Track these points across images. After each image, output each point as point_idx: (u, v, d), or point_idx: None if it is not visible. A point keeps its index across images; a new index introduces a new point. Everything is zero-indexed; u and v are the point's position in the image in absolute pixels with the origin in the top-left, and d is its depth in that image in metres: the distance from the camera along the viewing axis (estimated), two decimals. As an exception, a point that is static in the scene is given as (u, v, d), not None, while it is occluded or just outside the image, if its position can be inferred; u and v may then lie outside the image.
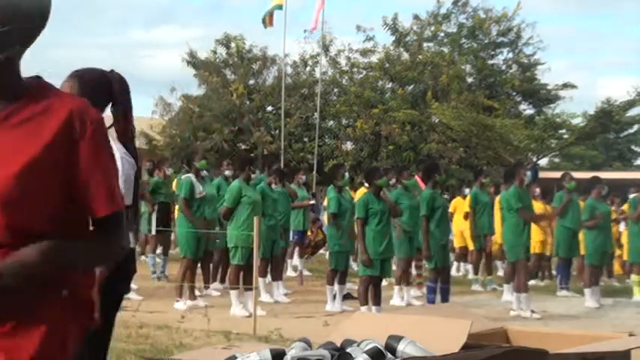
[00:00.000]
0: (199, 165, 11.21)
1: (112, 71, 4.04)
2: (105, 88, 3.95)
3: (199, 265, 11.69)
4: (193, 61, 28.62)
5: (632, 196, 13.36)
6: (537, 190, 14.30)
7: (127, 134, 4.00)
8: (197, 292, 11.40)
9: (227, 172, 12.43)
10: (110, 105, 4.01)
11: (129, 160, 3.94)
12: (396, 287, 11.50)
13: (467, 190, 15.02)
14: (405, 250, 11.30)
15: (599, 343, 3.23)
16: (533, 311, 10.58)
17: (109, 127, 4.07)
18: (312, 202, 14.39)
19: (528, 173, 11.17)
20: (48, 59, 68.50)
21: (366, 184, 10.45)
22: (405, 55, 29.20)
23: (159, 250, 13.54)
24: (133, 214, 4.09)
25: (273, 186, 11.69)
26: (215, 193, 11.81)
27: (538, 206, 13.54)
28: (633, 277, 13.18)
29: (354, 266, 12.98)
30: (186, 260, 10.74)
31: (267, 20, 22.70)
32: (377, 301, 10.03)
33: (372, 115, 26.74)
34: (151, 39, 74.42)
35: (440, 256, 10.55)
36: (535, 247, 13.16)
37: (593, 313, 11.29)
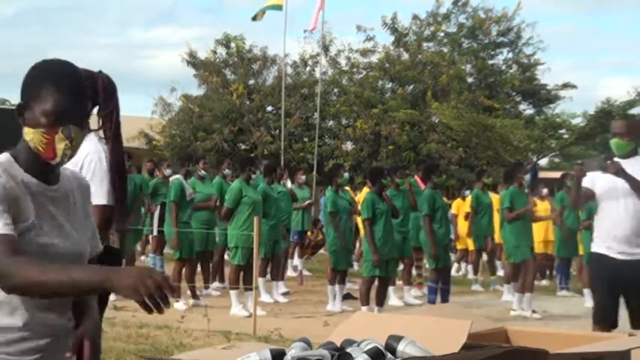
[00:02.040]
0: (191, 168, 11.30)
1: (99, 72, 4.02)
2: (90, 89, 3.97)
3: (199, 265, 11.71)
4: (193, 61, 28.62)
5: None
6: (545, 191, 14.29)
7: (110, 134, 3.99)
8: (197, 293, 11.42)
9: (226, 171, 12.45)
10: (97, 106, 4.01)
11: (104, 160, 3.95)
12: (391, 288, 11.50)
13: (467, 192, 15.01)
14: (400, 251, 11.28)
15: (599, 343, 3.22)
16: (534, 311, 10.58)
17: (97, 129, 4.05)
18: (310, 201, 14.34)
19: (527, 176, 11.21)
20: (48, 59, 68.42)
21: (370, 184, 10.44)
22: (405, 55, 29.20)
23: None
24: (118, 214, 4.09)
25: (289, 185, 11.68)
26: (215, 194, 11.82)
27: (544, 206, 13.59)
28: None
29: (356, 266, 12.99)
30: (180, 262, 10.79)
31: (259, 15, 22.53)
32: (380, 302, 10.02)
33: (372, 115, 26.73)
34: (151, 39, 74.44)
35: (441, 256, 10.54)
36: (539, 248, 13.16)
37: (593, 313, 11.28)
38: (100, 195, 3.87)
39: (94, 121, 4.02)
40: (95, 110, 3.99)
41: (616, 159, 6.02)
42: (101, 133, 3.99)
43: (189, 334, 8.45)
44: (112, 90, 3.99)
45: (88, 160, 3.90)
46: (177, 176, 11.25)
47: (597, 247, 6.26)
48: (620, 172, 5.85)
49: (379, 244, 9.80)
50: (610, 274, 6.10)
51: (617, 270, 6.05)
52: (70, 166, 3.85)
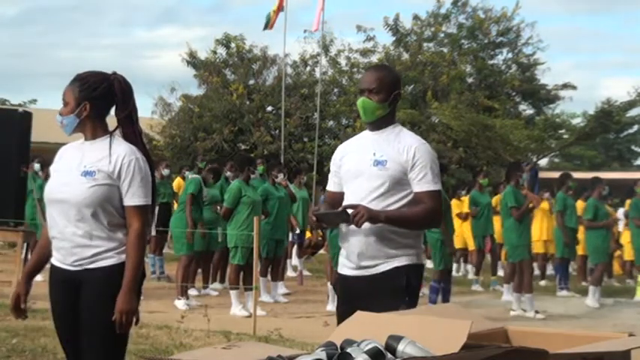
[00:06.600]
0: (202, 164, 11.32)
1: (114, 73, 3.99)
2: (108, 91, 3.89)
3: (199, 264, 11.70)
4: (193, 61, 28.61)
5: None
6: (546, 195, 14.36)
7: (133, 136, 3.97)
8: (196, 292, 11.42)
9: (228, 174, 12.44)
10: (114, 107, 3.95)
11: (144, 160, 3.90)
12: None
13: (462, 192, 15.01)
14: None
15: (599, 343, 3.22)
16: (537, 311, 10.58)
17: (114, 130, 4.01)
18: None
19: (524, 175, 11.27)
20: (51, 60, 68.47)
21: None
22: (405, 56, 29.20)
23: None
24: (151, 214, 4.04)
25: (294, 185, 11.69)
26: (217, 195, 11.82)
27: (543, 206, 13.61)
28: None
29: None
30: (184, 258, 10.78)
31: (270, 24, 22.70)
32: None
33: (372, 115, 26.75)
34: (152, 39, 74.40)
35: (445, 257, 10.53)
36: (535, 247, 13.18)
37: (593, 313, 11.30)
38: (141, 194, 3.81)
39: (112, 122, 3.98)
40: (113, 111, 3.96)
41: (365, 132, 4.42)
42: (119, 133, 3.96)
43: (189, 334, 8.45)
44: (128, 91, 3.95)
45: (127, 162, 3.79)
46: (196, 176, 11.37)
47: (340, 265, 4.65)
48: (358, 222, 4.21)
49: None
50: (356, 298, 4.33)
51: (356, 289, 4.47)
52: (109, 168, 3.78)
